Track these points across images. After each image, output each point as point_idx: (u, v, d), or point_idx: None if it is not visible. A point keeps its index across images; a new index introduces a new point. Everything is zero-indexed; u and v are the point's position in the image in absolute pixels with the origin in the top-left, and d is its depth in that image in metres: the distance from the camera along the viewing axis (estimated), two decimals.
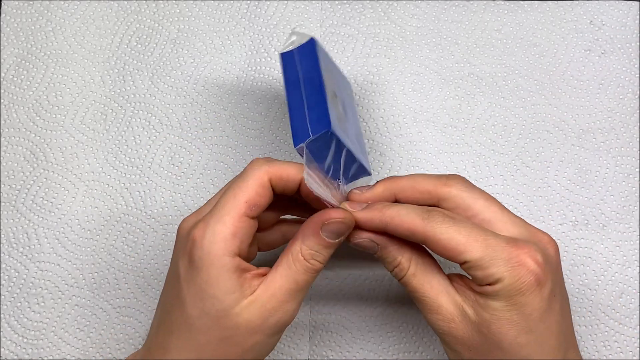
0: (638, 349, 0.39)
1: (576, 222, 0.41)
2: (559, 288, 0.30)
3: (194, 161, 0.43)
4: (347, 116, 0.34)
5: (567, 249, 0.41)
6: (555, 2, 0.46)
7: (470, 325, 0.29)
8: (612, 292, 0.40)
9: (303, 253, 0.30)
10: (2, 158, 0.43)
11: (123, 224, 0.42)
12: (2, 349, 0.40)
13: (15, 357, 0.40)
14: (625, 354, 0.39)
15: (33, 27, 0.46)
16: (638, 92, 0.44)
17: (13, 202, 0.42)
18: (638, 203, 0.41)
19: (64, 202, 0.42)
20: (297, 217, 0.36)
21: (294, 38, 0.33)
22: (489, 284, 0.28)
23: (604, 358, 0.39)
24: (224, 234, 0.29)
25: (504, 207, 0.31)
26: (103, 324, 0.40)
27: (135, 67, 0.45)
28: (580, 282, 0.40)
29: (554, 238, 0.31)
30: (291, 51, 0.33)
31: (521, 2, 0.46)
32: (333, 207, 0.31)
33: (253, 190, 0.30)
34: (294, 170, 0.31)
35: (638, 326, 0.39)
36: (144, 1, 0.46)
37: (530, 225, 0.31)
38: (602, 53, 0.45)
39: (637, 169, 0.42)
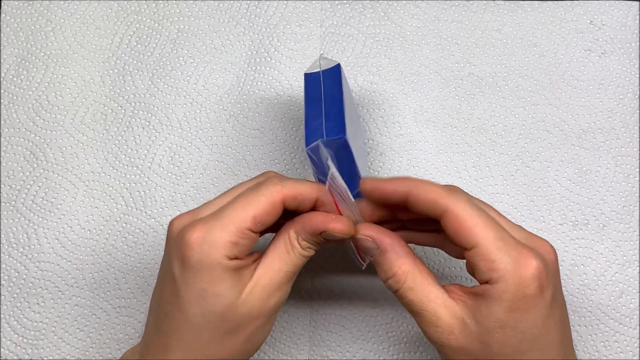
0: (638, 349, 0.39)
1: (576, 222, 0.41)
2: (559, 295, 0.30)
3: (194, 161, 0.43)
4: (356, 142, 0.35)
5: (567, 249, 0.41)
6: (555, 2, 0.46)
7: (470, 335, 0.29)
8: (612, 292, 0.40)
9: (300, 242, 0.30)
10: (2, 158, 0.43)
11: (123, 224, 0.42)
12: (2, 349, 0.40)
13: (15, 357, 0.40)
14: (625, 354, 0.39)
15: (33, 27, 0.46)
16: (638, 92, 0.44)
17: (13, 202, 0.42)
18: (638, 203, 0.41)
19: (64, 202, 0.42)
20: None
21: (321, 62, 0.35)
22: (489, 282, 0.28)
23: (604, 358, 0.39)
24: (225, 242, 0.28)
25: (503, 216, 0.31)
26: (103, 324, 0.40)
27: (135, 67, 0.45)
28: (580, 282, 0.40)
29: (554, 238, 0.31)
30: (317, 72, 0.34)
31: (521, 2, 0.46)
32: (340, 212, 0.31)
33: (263, 208, 0.29)
34: (309, 189, 0.31)
35: (638, 326, 0.39)
36: (144, 1, 0.46)
37: (530, 232, 0.31)
38: (602, 53, 0.45)
39: (637, 169, 0.42)
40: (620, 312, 0.40)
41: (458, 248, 0.29)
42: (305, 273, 0.41)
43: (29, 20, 0.46)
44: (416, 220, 0.33)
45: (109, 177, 0.43)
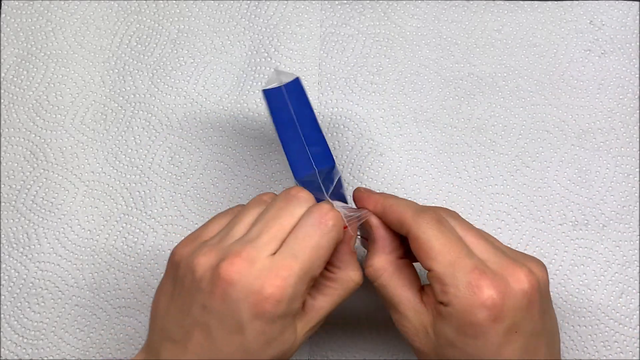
0: (638, 349, 0.39)
1: (576, 222, 0.41)
2: (527, 323, 0.28)
3: (194, 161, 0.43)
4: None
5: (567, 249, 0.41)
6: (555, 2, 0.46)
7: (430, 343, 0.29)
8: (612, 292, 0.40)
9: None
10: (2, 158, 0.43)
11: (123, 224, 0.42)
12: (2, 349, 0.40)
13: (15, 357, 0.40)
14: (625, 354, 0.39)
15: (33, 27, 0.46)
16: (638, 92, 0.44)
17: (13, 202, 0.42)
18: (638, 203, 0.41)
19: (64, 202, 0.42)
20: None
21: (278, 76, 0.34)
22: (442, 303, 0.28)
23: (604, 358, 0.39)
24: (303, 292, 0.29)
25: (485, 237, 0.31)
26: (103, 324, 0.40)
27: (135, 67, 0.45)
28: (580, 282, 0.40)
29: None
30: (278, 88, 0.34)
31: (521, 2, 0.46)
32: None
33: (329, 253, 0.30)
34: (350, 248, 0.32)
35: (638, 326, 0.39)
36: (144, 1, 0.46)
37: (512, 255, 0.30)
38: (602, 53, 0.45)
39: (637, 169, 0.42)
40: (620, 312, 0.40)
41: None
42: None
43: (29, 20, 0.46)
44: None
45: (109, 177, 0.43)
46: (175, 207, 0.42)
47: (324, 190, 0.31)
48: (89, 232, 0.42)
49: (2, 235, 0.42)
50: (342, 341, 0.40)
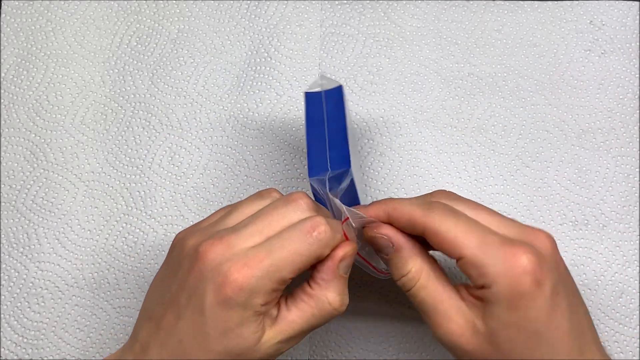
0: (638, 349, 0.39)
1: (576, 222, 0.41)
2: (562, 284, 0.29)
3: (194, 161, 0.43)
4: (355, 163, 0.36)
5: (567, 249, 0.41)
6: (555, 2, 0.46)
7: (481, 337, 0.29)
8: (612, 292, 0.40)
9: (332, 300, 0.30)
10: (2, 158, 0.43)
11: (123, 224, 0.42)
12: (2, 349, 0.40)
13: (15, 357, 0.40)
14: (625, 354, 0.39)
15: (33, 27, 0.46)
16: (638, 92, 0.44)
17: (13, 202, 0.42)
18: (638, 203, 0.41)
19: (64, 202, 0.42)
20: None
21: (322, 82, 0.35)
22: (484, 286, 0.28)
23: None
24: (268, 289, 0.28)
25: (493, 211, 0.31)
26: (103, 324, 0.40)
27: (135, 67, 0.45)
28: (580, 282, 0.40)
29: (555, 238, 0.31)
30: (318, 92, 0.35)
31: (521, 2, 0.46)
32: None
33: (311, 260, 0.29)
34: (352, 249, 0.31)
35: (638, 326, 0.39)
36: (144, 1, 0.47)
37: (523, 225, 0.30)
38: (602, 53, 0.45)
39: (637, 169, 0.42)
40: (620, 312, 0.40)
41: None
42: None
43: (29, 20, 0.46)
44: None
45: (109, 177, 0.43)
46: (175, 207, 0.42)
47: (327, 189, 0.31)
48: (89, 232, 0.42)
49: (2, 235, 0.42)
50: (342, 341, 0.40)
